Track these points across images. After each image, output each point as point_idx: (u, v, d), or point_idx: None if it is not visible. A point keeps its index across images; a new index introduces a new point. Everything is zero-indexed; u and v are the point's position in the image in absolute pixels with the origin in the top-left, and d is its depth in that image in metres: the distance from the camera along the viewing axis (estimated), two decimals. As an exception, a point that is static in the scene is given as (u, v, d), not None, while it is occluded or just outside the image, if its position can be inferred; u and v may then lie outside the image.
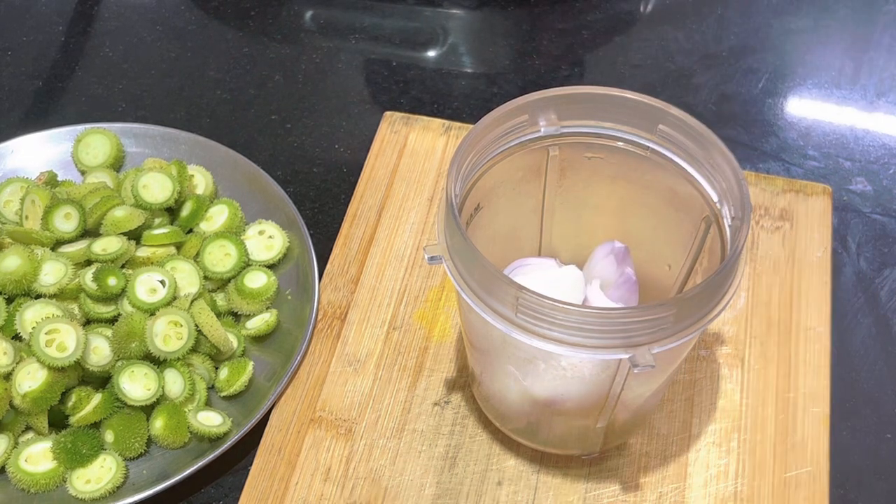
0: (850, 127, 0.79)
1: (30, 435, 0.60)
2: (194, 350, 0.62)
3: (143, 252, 0.65)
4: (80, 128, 0.72)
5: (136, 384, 0.60)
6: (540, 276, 0.57)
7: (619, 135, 0.55)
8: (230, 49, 0.84)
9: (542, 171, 0.57)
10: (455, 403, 0.62)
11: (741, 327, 0.65)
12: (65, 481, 0.59)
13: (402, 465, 0.60)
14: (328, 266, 0.68)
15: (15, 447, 0.59)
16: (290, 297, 0.66)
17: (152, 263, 0.64)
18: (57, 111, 0.80)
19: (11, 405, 0.58)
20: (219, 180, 0.71)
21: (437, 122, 0.76)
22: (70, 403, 0.60)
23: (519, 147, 0.55)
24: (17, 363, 0.58)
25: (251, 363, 0.63)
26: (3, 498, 0.58)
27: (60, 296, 0.62)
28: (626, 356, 0.47)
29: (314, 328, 0.65)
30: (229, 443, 0.59)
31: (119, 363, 0.60)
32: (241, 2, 0.88)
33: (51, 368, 0.58)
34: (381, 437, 0.61)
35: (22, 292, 0.62)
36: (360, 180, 0.73)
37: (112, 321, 0.62)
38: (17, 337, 0.60)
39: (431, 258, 0.50)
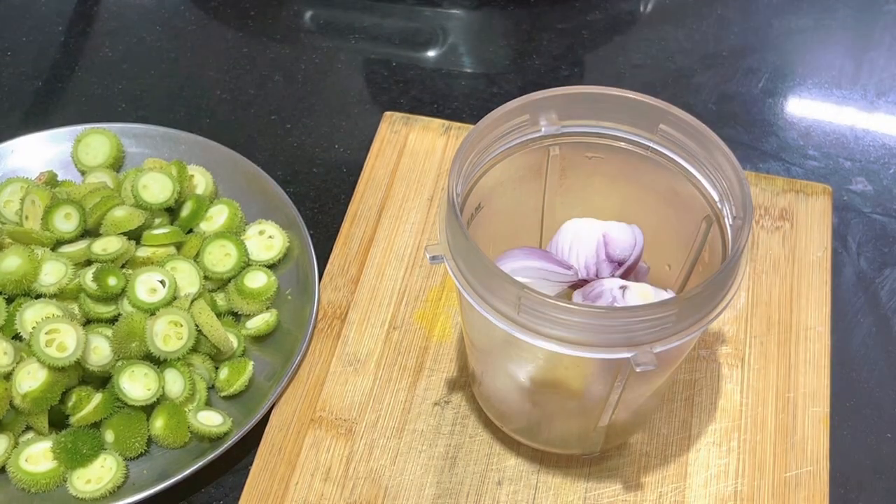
0: (850, 127, 0.79)
1: (30, 435, 0.60)
2: (194, 350, 0.62)
3: (143, 252, 0.65)
4: (79, 128, 0.72)
5: (137, 384, 0.60)
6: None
7: (619, 134, 0.55)
8: (230, 49, 0.84)
9: (543, 170, 0.57)
10: (455, 403, 0.62)
11: (741, 327, 0.65)
12: (65, 481, 0.59)
13: (402, 465, 0.60)
14: (328, 266, 0.68)
15: (15, 447, 0.59)
16: (290, 297, 0.66)
17: (152, 263, 0.64)
18: (57, 111, 0.80)
19: (11, 405, 0.58)
20: (219, 180, 0.71)
21: (437, 122, 0.76)
22: (70, 403, 0.60)
23: (520, 147, 0.55)
24: (18, 363, 0.58)
25: (251, 363, 0.63)
26: (4, 498, 0.58)
27: (60, 296, 0.62)
28: (628, 355, 0.47)
29: (314, 328, 0.65)
30: (229, 443, 0.59)
31: (119, 363, 0.60)
32: (240, 2, 0.88)
33: (51, 368, 0.57)
34: (382, 437, 0.61)
35: (22, 292, 0.62)
36: (360, 180, 0.73)
37: (112, 321, 0.62)
38: (17, 337, 0.60)
39: (433, 258, 0.50)
